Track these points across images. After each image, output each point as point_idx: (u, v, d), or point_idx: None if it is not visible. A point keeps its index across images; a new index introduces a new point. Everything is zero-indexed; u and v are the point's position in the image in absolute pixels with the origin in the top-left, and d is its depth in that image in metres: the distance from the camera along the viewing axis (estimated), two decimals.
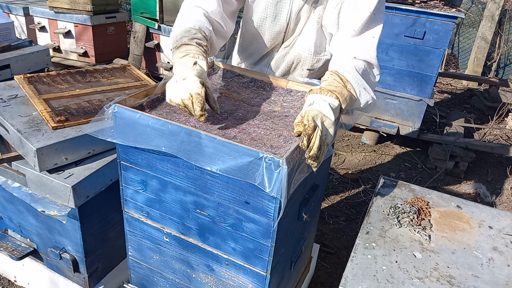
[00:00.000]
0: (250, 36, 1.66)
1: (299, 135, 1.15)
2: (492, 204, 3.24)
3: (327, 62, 1.62)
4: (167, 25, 4.13)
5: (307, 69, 1.67)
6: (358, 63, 1.36)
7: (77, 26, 4.19)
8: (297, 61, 1.66)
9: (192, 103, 1.18)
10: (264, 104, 1.47)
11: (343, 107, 1.26)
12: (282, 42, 1.65)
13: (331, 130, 1.20)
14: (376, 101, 1.40)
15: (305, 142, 1.12)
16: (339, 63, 1.38)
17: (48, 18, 4.29)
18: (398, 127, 3.82)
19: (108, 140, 1.28)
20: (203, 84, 1.20)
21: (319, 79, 1.68)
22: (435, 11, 3.37)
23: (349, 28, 1.43)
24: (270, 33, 1.61)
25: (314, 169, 1.17)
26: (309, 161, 1.14)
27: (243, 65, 1.79)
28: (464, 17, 4.16)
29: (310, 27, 1.57)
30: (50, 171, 1.57)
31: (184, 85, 1.19)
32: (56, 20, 4.26)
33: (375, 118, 3.89)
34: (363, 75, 1.35)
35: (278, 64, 1.70)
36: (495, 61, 6.20)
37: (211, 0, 1.47)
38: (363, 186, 3.34)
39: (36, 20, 4.38)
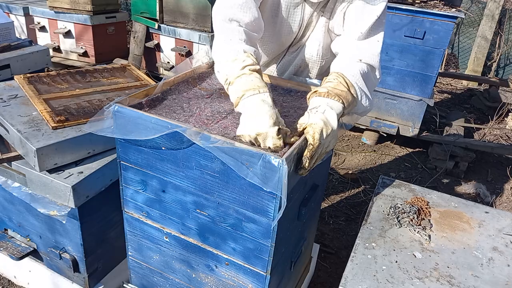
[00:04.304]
0: (260, 42, 1.66)
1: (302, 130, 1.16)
2: (492, 204, 3.24)
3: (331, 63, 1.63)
4: (167, 25, 4.13)
5: (315, 73, 1.68)
6: (362, 67, 1.37)
7: (77, 26, 4.19)
8: (304, 64, 1.67)
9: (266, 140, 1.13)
10: None
11: (345, 112, 1.27)
12: (289, 47, 1.66)
13: (334, 141, 1.21)
14: (373, 107, 1.42)
15: (307, 164, 1.13)
16: (345, 65, 1.38)
17: (48, 18, 4.29)
18: (398, 127, 3.82)
19: (108, 135, 1.27)
20: (278, 130, 1.13)
21: (320, 79, 1.68)
22: (435, 11, 3.37)
23: (356, 31, 1.43)
24: (281, 40, 1.61)
25: (304, 174, 1.18)
26: (301, 172, 1.15)
27: None
28: (464, 17, 4.16)
29: (318, 31, 1.58)
30: (50, 171, 1.57)
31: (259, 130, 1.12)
32: (56, 20, 4.26)
33: (375, 118, 3.89)
34: (366, 79, 1.36)
35: (285, 68, 1.71)
36: (495, 61, 6.20)
37: (247, 10, 1.38)
38: (363, 186, 3.34)
39: (36, 20, 4.38)
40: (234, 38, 1.33)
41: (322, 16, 1.55)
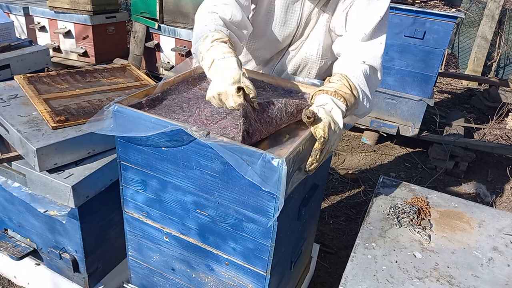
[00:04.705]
0: (257, 39, 1.66)
1: (308, 119, 1.15)
2: (492, 204, 3.24)
3: (332, 64, 1.62)
4: (167, 25, 4.13)
5: (314, 73, 1.68)
6: (365, 69, 1.38)
7: (77, 26, 4.19)
8: (303, 64, 1.66)
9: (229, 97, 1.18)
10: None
11: (347, 113, 1.29)
12: (289, 45, 1.65)
13: (338, 140, 1.23)
14: (372, 108, 1.44)
15: (318, 157, 1.14)
16: (348, 66, 1.39)
17: (48, 18, 4.29)
18: (398, 127, 3.82)
19: (106, 134, 1.27)
20: (239, 88, 1.17)
21: (320, 79, 1.68)
22: (435, 11, 3.37)
23: (360, 31, 1.43)
24: (279, 36, 1.61)
25: (311, 172, 1.19)
26: (308, 168, 1.16)
27: (247, 67, 1.79)
28: (464, 17, 4.16)
29: (318, 31, 1.57)
30: (50, 171, 1.57)
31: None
32: (56, 20, 4.26)
33: (375, 118, 3.89)
34: (368, 81, 1.37)
35: (284, 67, 1.70)
36: (495, 61, 6.20)
37: (229, 8, 1.42)
38: (363, 186, 3.34)
39: (36, 20, 4.38)
40: (209, 23, 1.37)
41: (323, 15, 1.54)
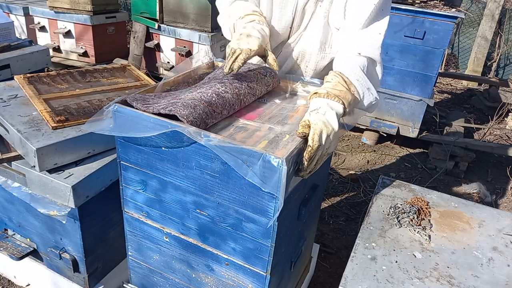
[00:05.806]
0: None
1: (303, 136, 1.15)
2: (492, 204, 3.24)
3: (332, 60, 1.58)
4: (167, 25, 4.13)
5: (312, 67, 1.63)
6: (362, 61, 1.34)
7: (77, 26, 4.19)
8: (301, 57, 1.63)
9: (238, 56, 1.30)
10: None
11: (346, 111, 1.26)
12: (288, 38, 1.63)
13: (335, 142, 1.20)
14: (379, 101, 1.39)
15: (305, 165, 1.13)
16: (344, 62, 1.36)
17: (48, 18, 4.29)
18: (398, 127, 3.82)
19: (106, 133, 1.27)
20: (261, 46, 1.32)
21: (319, 77, 1.66)
22: (435, 11, 3.37)
23: (355, 22, 1.40)
24: (277, 29, 1.59)
25: (305, 176, 1.18)
26: (302, 174, 1.15)
27: (252, 62, 1.78)
28: (464, 17, 4.16)
29: (315, 23, 1.54)
30: (50, 171, 1.57)
31: (246, 39, 1.35)
32: (56, 20, 4.26)
33: (375, 118, 3.89)
34: (367, 74, 1.34)
35: (283, 60, 1.68)
36: (495, 61, 6.20)
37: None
38: (363, 186, 3.34)
39: (36, 20, 4.38)
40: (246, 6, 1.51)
41: (320, 5, 1.52)
